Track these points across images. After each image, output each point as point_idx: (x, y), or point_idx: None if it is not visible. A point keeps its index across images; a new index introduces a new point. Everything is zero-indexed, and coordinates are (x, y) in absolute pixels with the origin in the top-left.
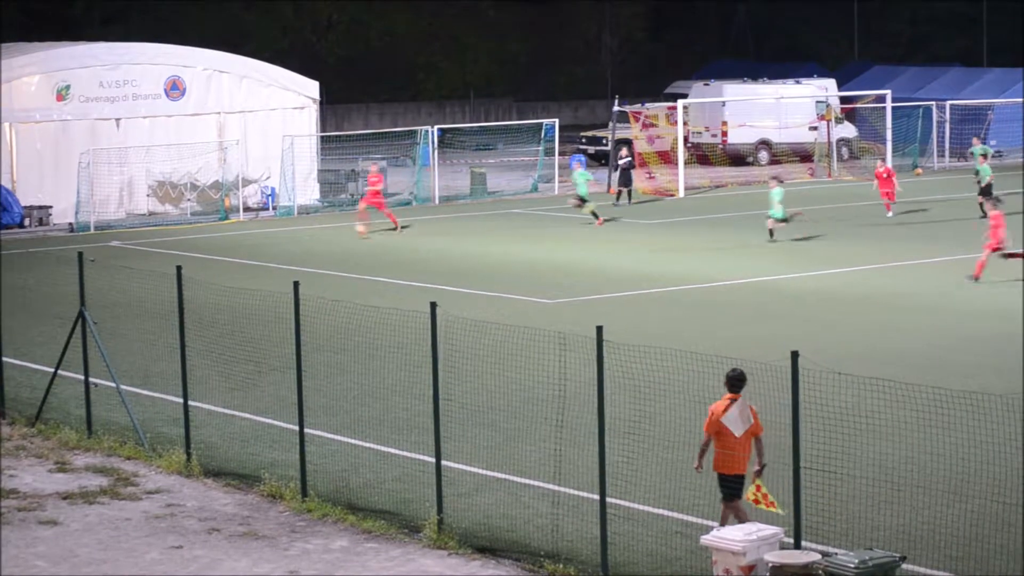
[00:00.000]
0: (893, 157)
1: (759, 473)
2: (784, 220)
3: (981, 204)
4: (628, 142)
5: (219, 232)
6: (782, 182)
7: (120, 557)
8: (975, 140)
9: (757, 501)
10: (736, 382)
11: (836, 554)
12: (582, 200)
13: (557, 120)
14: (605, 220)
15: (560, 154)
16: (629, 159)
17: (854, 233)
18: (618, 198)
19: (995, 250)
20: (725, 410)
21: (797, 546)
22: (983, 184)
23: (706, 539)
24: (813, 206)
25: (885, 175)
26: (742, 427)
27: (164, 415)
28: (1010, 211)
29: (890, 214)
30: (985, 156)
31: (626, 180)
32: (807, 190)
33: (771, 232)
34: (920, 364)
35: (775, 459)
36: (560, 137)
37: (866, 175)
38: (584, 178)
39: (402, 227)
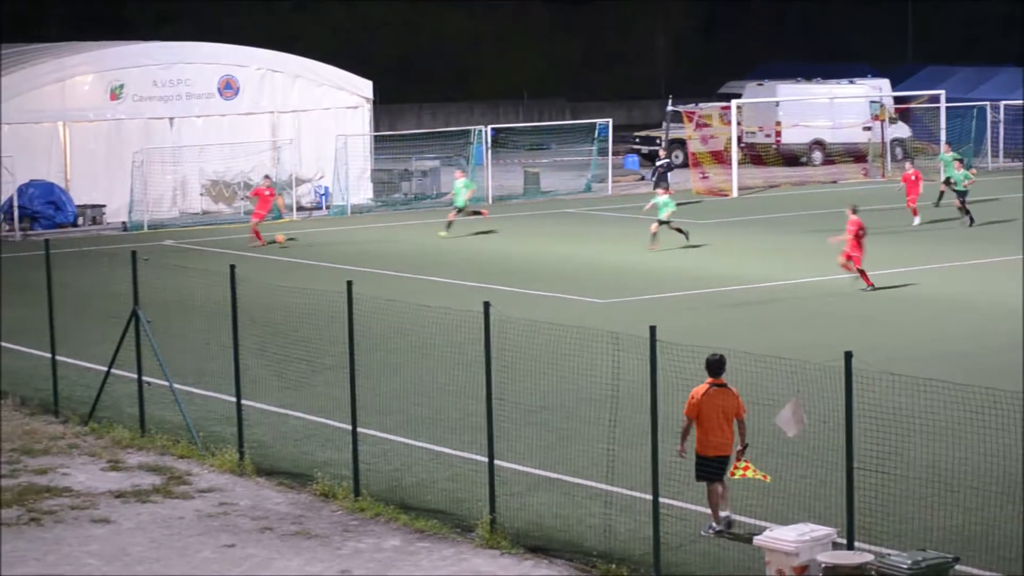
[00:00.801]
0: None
1: (741, 453)
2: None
3: (964, 210)
4: (682, 142)
5: (272, 231)
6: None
7: (172, 556)
8: (945, 147)
9: (743, 475)
10: (716, 366)
11: (889, 555)
12: (458, 210)
13: (611, 120)
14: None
15: (613, 154)
16: (667, 162)
17: (907, 234)
18: None
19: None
20: (704, 394)
21: (850, 547)
22: (957, 189)
23: (759, 540)
24: (866, 207)
25: (913, 177)
26: (796, 427)
27: (217, 414)
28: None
29: (917, 220)
30: (960, 162)
31: (663, 184)
32: (860, 190)
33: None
34: (973, 365)
35: (829, 460)
36: (613, 137)
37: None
38: (465, 186)
39: (289, 239)
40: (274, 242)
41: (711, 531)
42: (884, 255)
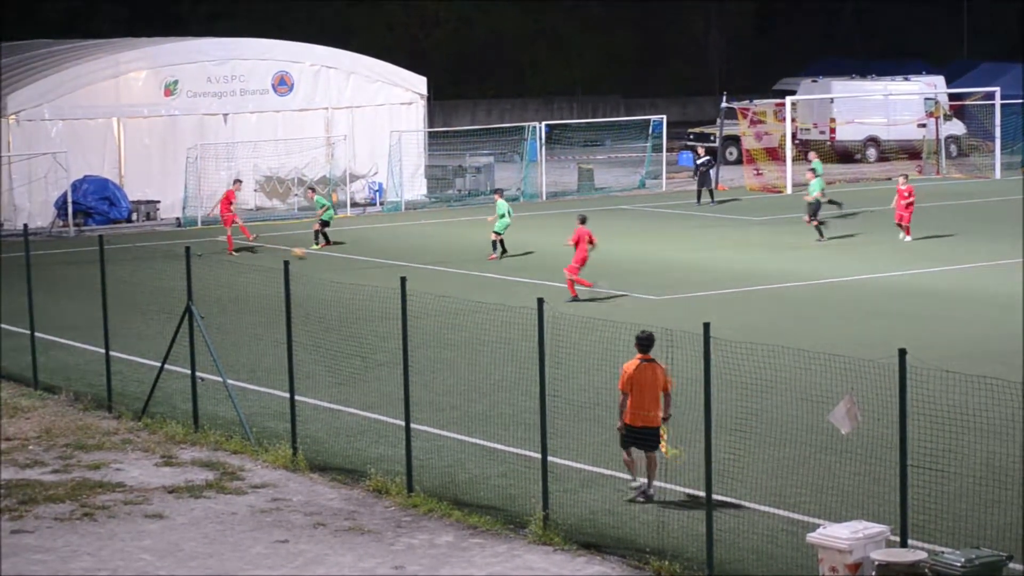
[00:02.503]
0: (1002, 154)
1: (665, 422)
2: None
3: (816, 226)
4: (737, 138)
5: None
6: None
7: (225, 551)
8: (812, 155)
9: (672, 448)
10: (645, 343)
11: (943, 553)
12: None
13: (665, 116)
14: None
15: (668, 150)
16: (708, 159)
17: (962, 230)
18: (699, 199)
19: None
20: (635, 368)
21: (903, 544)
22: (809, 200)
23: (812, 537)
24: (922, 203)
25: (907, 193)
26: (849, 425)
27: (270, 410)
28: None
29: (908, 239)
30: (814, 172)
31: (704, 180)
32: (916, 187)
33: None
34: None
35: (883, 457)
36: (667, 133)
37: (975, 172)
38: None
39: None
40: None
41: (636, 491)
42: (940, 252)
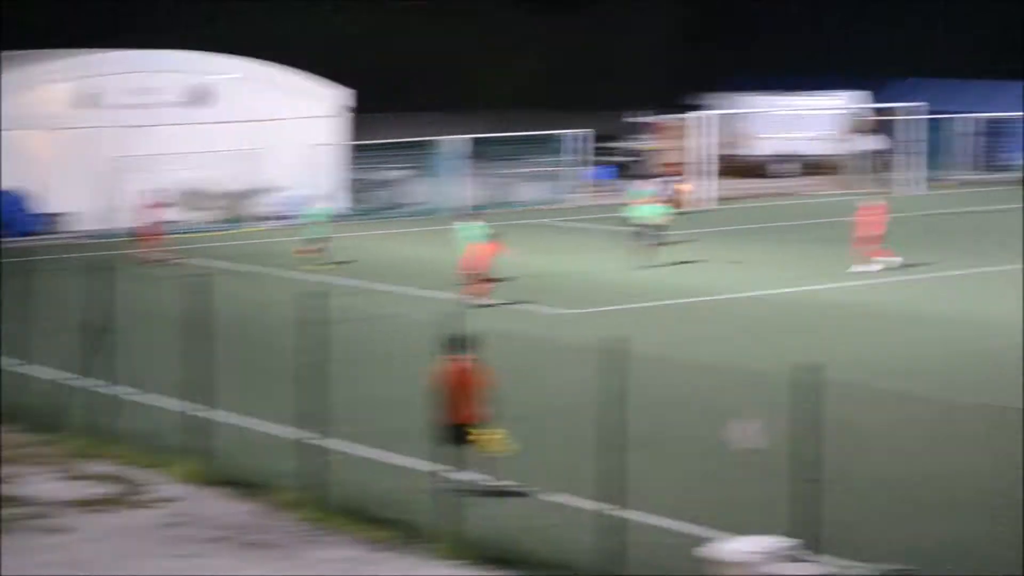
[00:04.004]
0: (924, 169)
1: (483, 421)
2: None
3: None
4: (654, 153)
5: (244, 240)
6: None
7: (130, 566)
8: (640, 184)
9: (488, 444)
10: (459, 343)
11: (851, 568)
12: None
13: (585, 130)
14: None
15: (586, 164)
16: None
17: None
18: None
19: (471, 276)
20: (449, 368)
21: (811, 561)
22: (642, 224)
23: (715, 552)
24: (843, 218)
25: (871, 216)
26: (750, 440)
27: (178, 423)
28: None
29: (876, 267)
30: (648, 198)
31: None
32: (836, 202)
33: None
34: (941, 378)
35: (792, 472)
36: (587, 147)
37: (896, 187)
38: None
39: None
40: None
41: (447, 484)
42: (847, 265)
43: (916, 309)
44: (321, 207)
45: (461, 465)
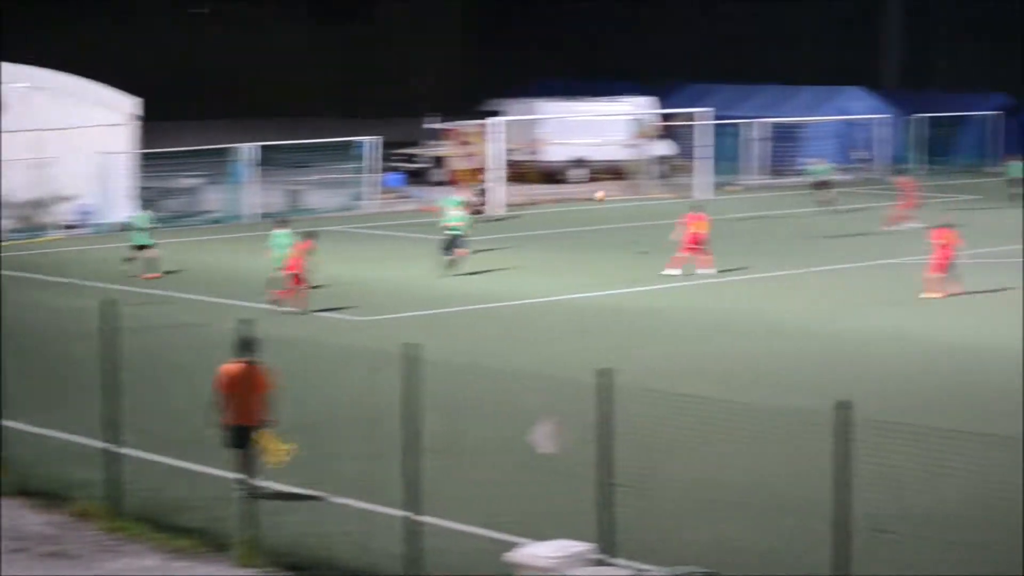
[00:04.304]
0: (711, 174)
1: (267, 424)
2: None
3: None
4: (444, 159)
5: (35, 249)
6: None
7: None
8: (448, 191)
9: (274, 455)
10: (245, 345)
11: (647, 570)
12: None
13: (374, 138)
14: None
15: (376, 171)
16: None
17: (666, 250)
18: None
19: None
20: (233, 370)
21: (607, 563)
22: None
23: (515, 557)
24: (630, 223)
25: (694, 225)
26: (551, 445)
27: None
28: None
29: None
30: (460, 207)
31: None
32: (624, 208)
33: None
34: (730, 380)
35: (587, 475)
36: (377, 154)
37: (684, 192)
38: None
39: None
40: None
41: (238, 487)
42: (644, 272)
43: (720, 313)
44: (144, 214)
45: (252, 470)
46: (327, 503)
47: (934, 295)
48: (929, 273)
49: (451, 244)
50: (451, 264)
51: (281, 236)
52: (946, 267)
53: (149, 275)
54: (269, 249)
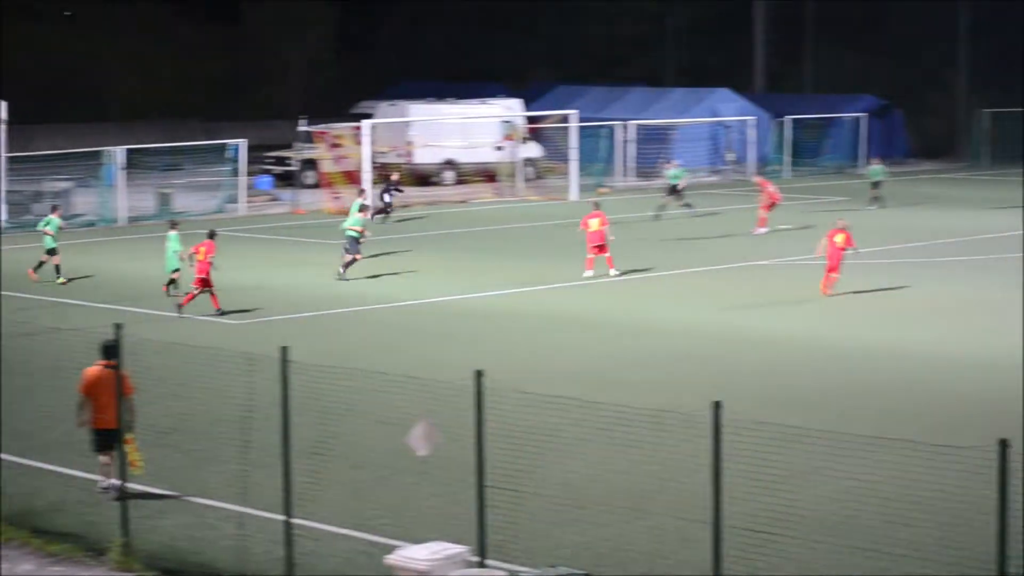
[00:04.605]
0: (578, 176)
1: (130, 428)
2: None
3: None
4: (315, 162)
5: None
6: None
7: None
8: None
9: (134, 463)
10: (108, 350)
11: (521, 572)
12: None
13: (244, 140)
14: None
15: (247, 174)
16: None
17: (537, 253)
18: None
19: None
20: (96, 374)
21: (482, 565)
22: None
23: (390, 559)
24: (499, 226)
25: (597, 224)
26: (427, 447)
27: None
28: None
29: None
30: (361, 210)
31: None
32: (493, 210)
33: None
34: (602, 381)
35: (461, 478)
36: (247, 157)
37: (552, 194)
38: (53, 227)
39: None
40: None
41: (101, 491)
42: (518, 274)
43: (593, 314)
44: (51, 217)
45: (115, 473)
46: (202, 506)
47: (831, 293)
48: (828, 272)
49: (351, 247)
50: (347, 267)
51: (174, 239)
52: (839, 266)
53: (61, 281)
54: (167, 251)
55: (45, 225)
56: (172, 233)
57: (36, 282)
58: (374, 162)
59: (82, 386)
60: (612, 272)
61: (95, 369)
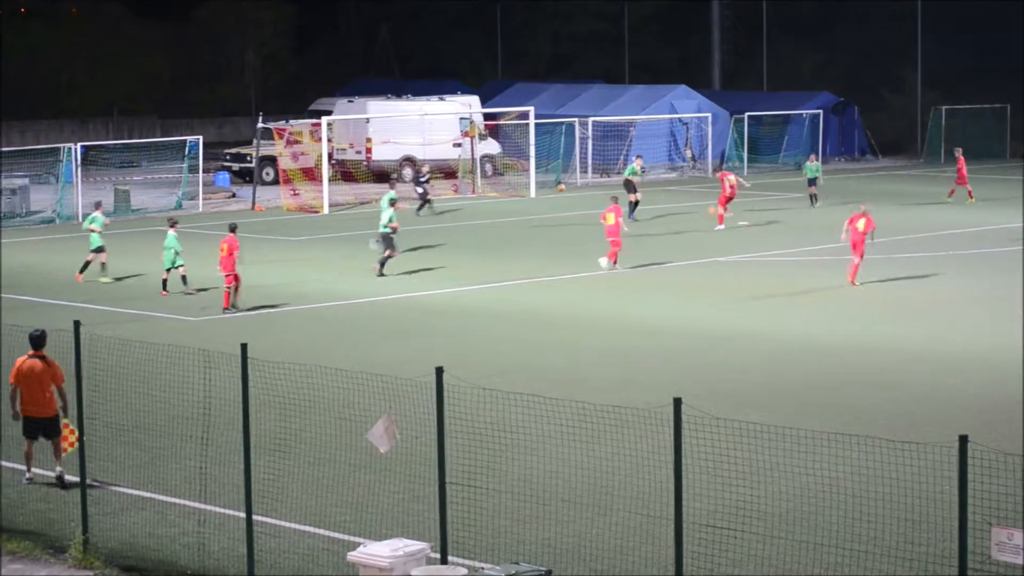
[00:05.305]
0: (537, 173)
1: (65, 413)
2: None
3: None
4: (273, 159)
5: None
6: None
7: None
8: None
9: (72, 444)
10: (36, 340)
11: (483, 568)
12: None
13: (201, 137)
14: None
15: (204, 171)
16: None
17: (496, 249)
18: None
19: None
20: (25, 364)
21: (444, 561)
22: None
23: (353, 556)
24: (457, 223)
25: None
26: (387, 443)
27: None
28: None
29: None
30: (392, 204)
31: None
32: (452, 207)
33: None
34: (563, 378)
35: (422, 474)
36: (204, 154)
37: (510, 191)
38: (99, 224)
39: None
40: None
41: (27, 481)
42: (476, 271)
43: (554, 310)
44: (96, 215)
45: (48, 459)
46: (162, 503)
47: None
48: (855, 259)
49: (385, 242)
50: (383, 263)
51: (172, 238)
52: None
53: (105, 279)
54: (165, 250)
55: (91, 223)
56: (171, 232)
57: (80, 283)
58: (332, 159)
59: (12, 376)
60: (604, 263)
61: (24, 359)
